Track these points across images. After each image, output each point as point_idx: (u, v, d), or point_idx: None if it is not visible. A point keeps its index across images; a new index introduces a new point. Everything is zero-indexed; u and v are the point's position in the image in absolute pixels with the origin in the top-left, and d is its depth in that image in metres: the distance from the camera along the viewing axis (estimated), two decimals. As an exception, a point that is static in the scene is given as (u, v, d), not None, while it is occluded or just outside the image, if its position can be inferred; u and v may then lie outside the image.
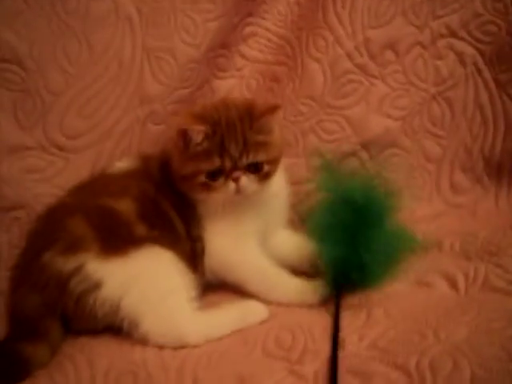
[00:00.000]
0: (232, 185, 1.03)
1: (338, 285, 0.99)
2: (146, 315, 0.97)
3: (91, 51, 1.25)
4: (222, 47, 1.34)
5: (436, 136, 1.34)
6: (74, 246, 1.00)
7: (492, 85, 1.32)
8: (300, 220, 1.24)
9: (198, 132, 1.01)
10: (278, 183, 1.13)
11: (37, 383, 0.90)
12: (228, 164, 1.02)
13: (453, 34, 1.31)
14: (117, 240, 1.01)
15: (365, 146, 1.31)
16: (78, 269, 0.98)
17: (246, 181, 1.03)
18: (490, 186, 1.34)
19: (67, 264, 0.98)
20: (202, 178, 1.03)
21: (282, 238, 1.17)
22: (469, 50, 1.31)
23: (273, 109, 1.05)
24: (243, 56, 1.34)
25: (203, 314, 0.99)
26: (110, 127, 1.27)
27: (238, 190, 1.03)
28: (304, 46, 1.31)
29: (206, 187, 1.04)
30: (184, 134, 1.02)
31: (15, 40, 1.19)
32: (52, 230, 1.04)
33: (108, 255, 0.99)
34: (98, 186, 1.12)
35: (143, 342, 0.96)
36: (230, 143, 1.02)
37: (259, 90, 1.35)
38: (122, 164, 1.16)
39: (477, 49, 1.31)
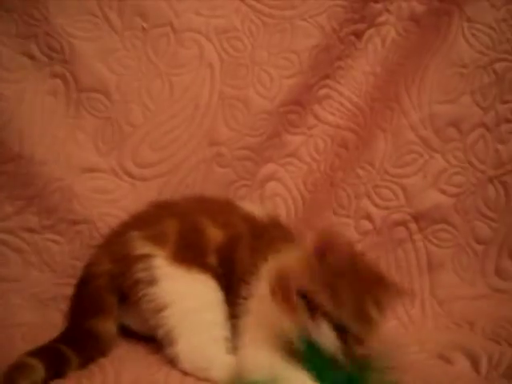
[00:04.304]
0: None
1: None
2: (183, 336, 1.02)
3: (172, 91, 1.33)
4: (296, 104, 1.39)
5: (487, 218, 1.32)
6: (156, 238, 1.09)
7: (551, 175, 1.30)
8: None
9: None
10: None
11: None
12: None
13: (518, 119, 1.30)
14: (189, 254, 1.08)
15: (415, 217, 1.30)
16: (147, 257, 1.07)
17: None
18: (536, 275, 1.29)
19: (143, 248, 1.08)
20: None
21: None
22: (532, 137, 1.30)
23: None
24: (315, 116, 1.39)
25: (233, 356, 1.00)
26: (178, 163, 1.34)
27: None
28: (375, 117, 1.34)
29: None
30: None
31: (107, 73, 1.30)
32: (149, 218, 1.16)
33: (175, 261, 1.07)
34: (207, 205, 1.20)
35: (172, 362, 1.01)
36: None
37: (326, 152, 1.39)
38: (247, 205, 1.21)
39: (540, 136, 1.30)
